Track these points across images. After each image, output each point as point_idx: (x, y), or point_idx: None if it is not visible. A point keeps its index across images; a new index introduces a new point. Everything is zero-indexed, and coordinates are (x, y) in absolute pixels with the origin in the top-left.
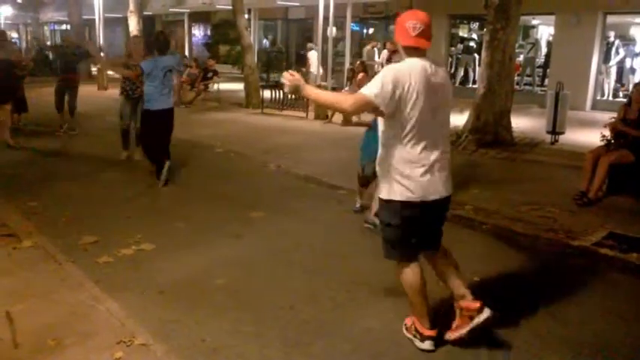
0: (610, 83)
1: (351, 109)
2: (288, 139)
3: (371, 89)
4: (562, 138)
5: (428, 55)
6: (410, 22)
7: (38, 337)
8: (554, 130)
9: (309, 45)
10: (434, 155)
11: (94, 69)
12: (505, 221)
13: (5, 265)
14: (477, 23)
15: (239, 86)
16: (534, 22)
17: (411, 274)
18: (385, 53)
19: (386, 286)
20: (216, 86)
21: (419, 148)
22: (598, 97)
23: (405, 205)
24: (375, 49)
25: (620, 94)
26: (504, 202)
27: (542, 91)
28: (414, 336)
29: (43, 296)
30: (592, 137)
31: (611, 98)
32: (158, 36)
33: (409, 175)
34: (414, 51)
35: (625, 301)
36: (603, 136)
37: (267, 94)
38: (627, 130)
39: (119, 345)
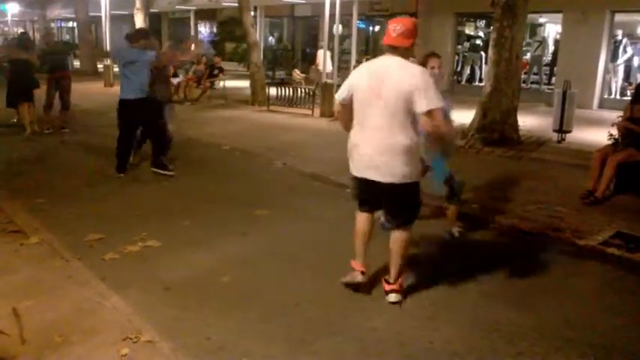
0: (617, 82)
1: (337, 110)
2: (294, 137)
3: (338, 93)
4: (569, 137)
5: (414, 54)
6: (391, 25)
7: (45, 334)
8: (561, 128)
9: (321, 43)
10: (373, 140)
11: (100, 66)
12: (512, 220)
13: (12, 262)
14: (484, 21)
15: (245, 84)
16: (541, 20)
17: (357, 219)
18: None
19: None
20: (222, 84)
21: (358, 132)
22: (605, 96)
23: (351, 176)
24: None
25: (628, 92)
26: (511, 200)
27: (549, 89)
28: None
29: (50, 293)
30: (599, 136)
31: (618, 97)
32: (133, 30)
33: (351, 153)
34: (391, 49)
35: (632, 302)
36: (611, 134)
37: (273, 91)
38: (635, 128)
39: (125, 342)
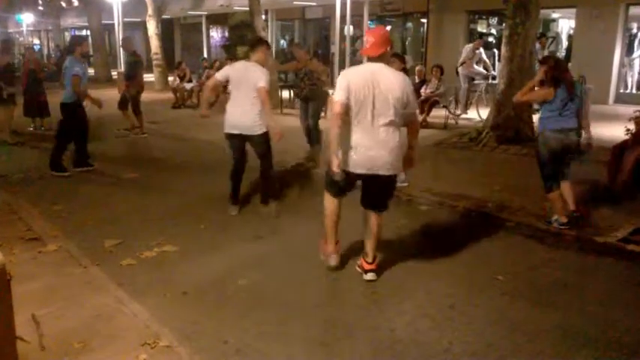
0: (633, 76)
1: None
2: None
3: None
4: None
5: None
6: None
7: (64, 340)
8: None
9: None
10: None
11: (114, 73)
12: (529, 218)
13: (31, 269)
14: (496, 18)
15: None
16: (554, 15)
17: (329, 202)
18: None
19: (408, 287)
20: None
21: (359, 130)
22: (621, 91)
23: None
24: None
25: None
26: (527, 198)
27: None
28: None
29: (69, 299)
30: (616, 131)
31: (634, 91)
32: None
33: (350, 150)
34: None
35: None
36: (627, 129)
37: (285, 94)
38: None
39: (143, 347)
